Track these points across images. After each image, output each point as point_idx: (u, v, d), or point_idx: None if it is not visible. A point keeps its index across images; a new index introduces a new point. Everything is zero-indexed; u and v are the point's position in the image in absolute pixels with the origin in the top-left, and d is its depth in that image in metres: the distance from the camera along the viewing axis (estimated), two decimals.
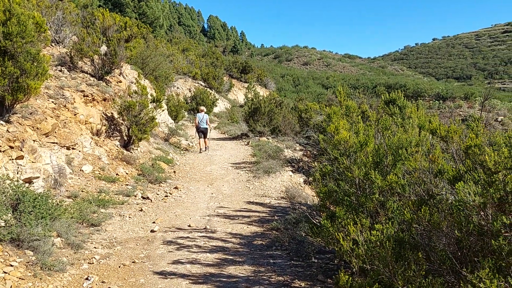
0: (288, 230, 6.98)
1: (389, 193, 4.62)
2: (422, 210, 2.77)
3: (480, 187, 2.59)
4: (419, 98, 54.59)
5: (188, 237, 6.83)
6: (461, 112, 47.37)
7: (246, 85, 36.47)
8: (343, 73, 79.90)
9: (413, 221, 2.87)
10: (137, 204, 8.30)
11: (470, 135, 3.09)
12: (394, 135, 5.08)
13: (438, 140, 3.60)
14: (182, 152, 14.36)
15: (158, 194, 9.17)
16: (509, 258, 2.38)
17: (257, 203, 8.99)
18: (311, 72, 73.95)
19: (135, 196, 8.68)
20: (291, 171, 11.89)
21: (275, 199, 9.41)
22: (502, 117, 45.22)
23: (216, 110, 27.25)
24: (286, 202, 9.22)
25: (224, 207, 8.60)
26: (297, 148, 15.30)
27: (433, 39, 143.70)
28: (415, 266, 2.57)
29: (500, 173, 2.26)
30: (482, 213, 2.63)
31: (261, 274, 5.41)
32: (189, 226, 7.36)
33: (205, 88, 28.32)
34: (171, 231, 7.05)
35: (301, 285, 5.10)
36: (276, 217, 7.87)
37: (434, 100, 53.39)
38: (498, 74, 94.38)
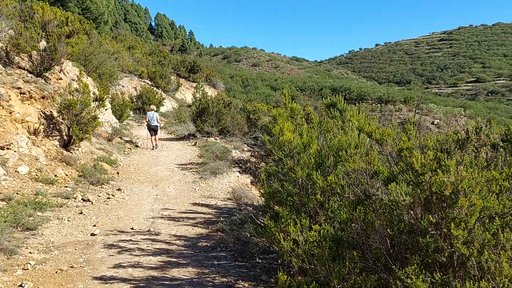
0: (234, 231, 7.00)
1: (330, 193, 4.77)
2: (357, 210, 2.89)
3: (410, 187, 2.74)
4: (362, 101, 56.79)
5: (130, 240, 6.65)
6: (401, 115, 49.85)
7: (194, 84, 36.12)
8: (291, 75, 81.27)
9: (349, 220, 2.98)
10: (77, 207, 7.97)
11: (403, 138, 3.25)
12: (336, 137, 5.25)
13: (374, 143, 3.76)
14: (126, 152, 13.96)
15: (100, 196, 8.85)
16: (435, 255, 2.53)
17: (203, 205, 8.93)
18: (260, 74, 74.57)
19: (75, 198, 8.32)
20: (239, 172, 11.92)
21: (221, 200, 9.40)
22: (438, 120, 48.10)
23: (163, 109, 26.76)
24: (232, 203, 9.24)
25: (169, 209, 8.47)
26: (245, 149, 15.37)
27: (376, 45, 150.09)
28: (350, 264, 2.66)
29: (426, 175, 2.41)
30: (412, 212, 2.78)
31: (205, 275, 5.38)
32: (132, 228, 7.17)
33: (152, 87, 27.74)
34: (113, 234, 6.83)
35: (244, 286, 5.13)
36: (222, 219, 7.86)
37: (376, 103, 55.69)
38: (435, 80, 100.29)
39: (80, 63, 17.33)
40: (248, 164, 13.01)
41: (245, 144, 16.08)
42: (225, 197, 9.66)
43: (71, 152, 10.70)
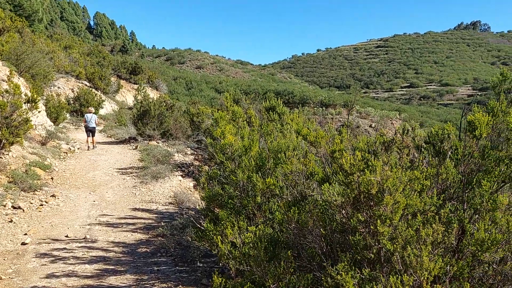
0: (175, 236, 6.89)
1: (270, 195, 4.84)
2: (291, 210, 2.95)
3: (341, 188, 2.85)
4: (305, 104, 58.17)
5: (65, 248, 6.35)
6: (341, 119, 51.63)
7: (136, 86, 35.17)
8: (236, 78, 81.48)
9: (284, 221, 3.04)
10: (6, 215, 7.47)
11: (336, 140, 3.37)
12: (275, 140, 5.33)
13: (308, 145, 3.87)
14: (62, 157, 13.28)
15: (32, 203, 8.36)
16: (364, 252, 2.64)
17: (143, 210, 8.71)
18: (204, 76, 74.06)
19: (4, 206, 7.80)
20: (181, 175, 11.75)
21: (162, 205, 9.22)
22: (375, 123, 50.38)
23: (102, 112, 25.79)
24: (174, 208, 9.09)
25: (107, 215, 8.17)
26: (188, 152, 15.18)
27: (318, 50, 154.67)
28: (285, 264, 2.72)
29: (355, 175, 2.52)
30: (343, 211, 2.89)
31: (144, 282, 5.25)
32: (67, 236, 6.85)
33: (90, 89, 26.62)
34: (46, 243, 6.48)
35: None
36: (162, 223, 7.71)
37: (318, 106, 57.25)
38: (372, 85, 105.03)
39: (11, 63, 16.31)
40: (191, 168, 12.86)
41: (189, 147, 15.89)
42: (166, 201, 9.49)
43: (0, 157, 10.01)
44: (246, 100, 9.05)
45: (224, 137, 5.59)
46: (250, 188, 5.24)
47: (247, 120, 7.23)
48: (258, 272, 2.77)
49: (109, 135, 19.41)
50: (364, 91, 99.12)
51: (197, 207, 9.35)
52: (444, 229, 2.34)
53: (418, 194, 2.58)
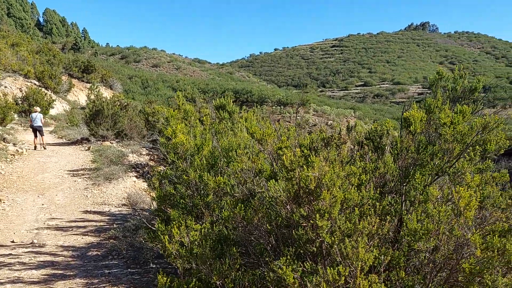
0: (127, 238, 6.75)
1: (222, 194, 4.85)
2: (237, 207, 2.98)
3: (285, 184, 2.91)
4: (263, 103, 58.56)
5: (10, 254, 6.08)
6: (298, 117, 52.38)
7: (88, 85, 34.01)
8: (193, 77, 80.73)
9: (231, 218, 3.07)
10: None
11: (282, 137, 3.43)
12: (226, 139, 5.35)
13: (256, 143, 3.92)
14: (9, 159, 12.66)
15: None
16: (307, 246, 2.71)
17: (95, 212, 8.47)
18: (161, 75, 72.80)
19: None
20: (136, 176, 11.52)
21: (115, 206, 9.00)
22: (331, 121, 51.56)
23: (53, 112, 24.82)
24: (128, 209, 8.90)
25: (57, 219, 7.88)
26: (144, 153, 14.90)
27: (275, 49, 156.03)
28: (230, 260, 2.74)
29: (295, 170, 2.58)
30: (288, 207, 2.95)
31: (94, 286, 5.12)
32: (13, 241, 6.56)
33: (40, 88, 25.50)
34: None
35: None
36: (115, 225, 7.53)
37: (276, 105, 57.81)
38: (328, 83, 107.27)
39: None
40: (146, 168, 12.63)
41: (144, 147, 15.59)
42: (120, 203, 9.27)
43: None
44: (199, 99, 9.00)
45: (176, 136, 5.54)
46: (202, 187, 5.24)
47: (200, 119, 7.21)
48: (204, 270, 2.78)
49: (60, 136, 18.71)
50: (320, 90, 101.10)
51: (152, 208, 9.21)
52: (379, 221, 2.45)
53: (356, 188, 2.69)
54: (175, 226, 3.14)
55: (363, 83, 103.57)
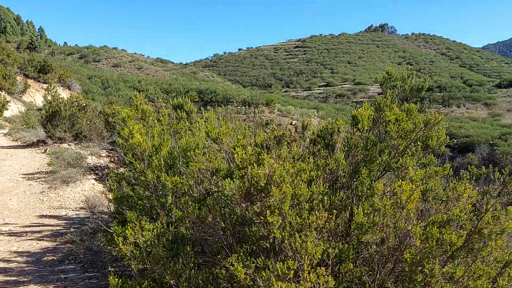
0: (84, 242, 6.60)
1: (181, 194, 4.84)
2: (190, 207, 3.00)
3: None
4: (228, 103, 58.45)
5: None
6: (263, 117, 52.69)
7: (45, 86, 32.82)
8: (155, 77, 79.42)
9: (185, 218, 3.07)
10: None
11: (238, 137, 3.47)
12: (185, 138, 5.34)
13: (211, 142, 3.94)
14: None
15: None
16: (260, 242, 2.76)
17: (51, 216, 8.21)
18: (122, 75, 71.14)
19: None
20: (95, 179, 11.24)
21: (73, 210, 8.76)
22: (295, 121, 52.17)
23: (7, 114, 23.78)
24: (86, 213, 8.68)
25: (10, 224, 7.59)
26: (103, 154, 14.56)
27: (239, 49, 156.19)
28: (184, 259, 2.75)
29: (246, 168, 2.63)
30: (243, 204, 2.99)
31: None
32: None
33: None
34: None
35: None
36: (72, 229, 7.33)
37: (241, 105, 57.84)
38: (292, 84, 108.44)
39: None
40: (106, 171, 12.35)
41: (104, 149, 15.23)
42: (77, 206, 9.03)
43: None
44: (159, 99, 8.89)
45: (133, 137, 5.47)
46: (160, 188, 5.21)
47: (158, 119, 7.14)
48: (157, 270, 2.78)
49: (15, 139, 17.95)
50: (285, 90, 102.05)
51: (112, 210, 9.02)
52: (328, 215, 2.53)
53: (306, 184, 2.76)
54: (129, 227, 3.11)
55: (325, 83, 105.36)
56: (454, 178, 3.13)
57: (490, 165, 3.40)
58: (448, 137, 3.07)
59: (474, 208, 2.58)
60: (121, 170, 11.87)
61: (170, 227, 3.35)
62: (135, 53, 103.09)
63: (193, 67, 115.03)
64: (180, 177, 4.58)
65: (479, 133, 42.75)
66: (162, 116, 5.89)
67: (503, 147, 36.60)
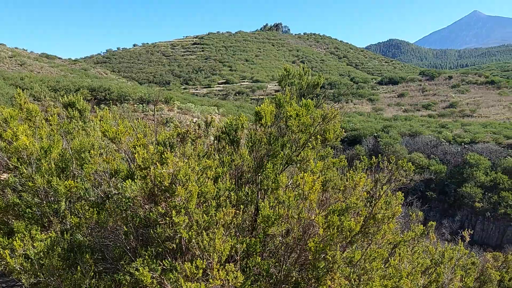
0: None
1: (76, 199, 4.49)
2: (87, 212, 2.79)
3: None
4: (124, 101, 55.76)
5: None
6: (163, 115, 51.37)
7: None
8: (41, 74, 72.72)
9: (81, 224, 2.85)
10: None
11: (138, 135, 3.31)
12: (78, 139, 4.96)
13: (108, 142, 3.72)
14: None
15: None
16: (166, 243, 2.67)
17: None
18: (2, 72, 63.84)
19: None
20: None
21: None
22: (196, 119, 51.83)
23: None
24: None
25: None
26: None
27: (134, 45, 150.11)
28: (83, 268, 2.55)
29: (150, 168, 2.52)
30: (146, 206, 2.86)
31: None
32: None
33: None
34: None
35: None
36: None
37: (138, 103, 55.61)
38: (191, 81, 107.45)
39: None
40: None
41: None
42: None
43: None
44: (45, 98, 8.13)
45: (17, 139, 4.95)
46: (52, 193, 4.79)
47: (47, 118, 6.55)
48: (52, 282, 2.53)
49: None
50: (184, 87, 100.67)
51: None
52: (235, 211, 2.54)
53: (213, 181, 2.74)
54: (17, 238, 2.80)
55: (225, 80, 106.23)
56: (349, 168, 3.35)
57: (378, 155, 3.70)
58: (343, 130, 3.28)
59: (368, 195, 2.79)
60: (4, 176, 10.66)
61: (65, 234, 3.08)
62: (16, 48, 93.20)
63: (83, 63, 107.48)
64: (74, 181, 4.25)
65: (365, 127, 46.75)
66: (51, 116, 5.39)
67: (385, 138, 40.60)
